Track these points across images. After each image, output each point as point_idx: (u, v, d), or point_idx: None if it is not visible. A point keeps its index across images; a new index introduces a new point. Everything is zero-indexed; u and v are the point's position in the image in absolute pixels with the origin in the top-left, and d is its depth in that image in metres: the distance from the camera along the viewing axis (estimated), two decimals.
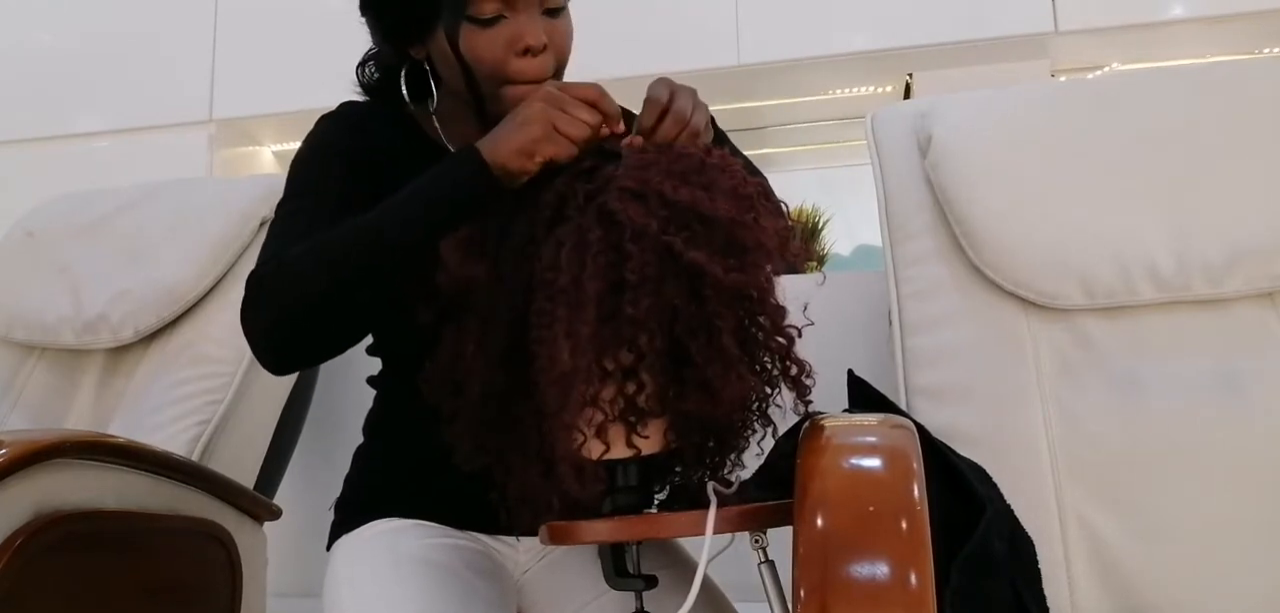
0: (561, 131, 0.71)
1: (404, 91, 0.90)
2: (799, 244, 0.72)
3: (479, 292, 0.70)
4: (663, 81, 0.76)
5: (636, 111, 0.77)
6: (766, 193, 0.71)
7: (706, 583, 0.86)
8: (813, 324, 0.70)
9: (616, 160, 0.69)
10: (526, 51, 0.82)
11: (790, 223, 0.71)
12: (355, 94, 0.97)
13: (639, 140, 0.73)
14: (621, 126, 0.74)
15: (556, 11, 0.84)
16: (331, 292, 0.75)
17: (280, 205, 0.86)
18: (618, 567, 0.70)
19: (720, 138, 0.91)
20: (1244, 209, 0.98)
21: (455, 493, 0.84)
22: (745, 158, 0.90)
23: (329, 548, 0.91)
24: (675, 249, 0.63)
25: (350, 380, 1.08)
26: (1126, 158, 1.03)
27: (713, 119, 0.83)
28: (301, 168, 0.89)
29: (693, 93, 0.77)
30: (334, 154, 0.88)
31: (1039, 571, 0.78)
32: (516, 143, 0.72)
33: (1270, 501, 0.88)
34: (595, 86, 0.74)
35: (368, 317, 0.82)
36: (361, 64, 0.97)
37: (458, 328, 0.71)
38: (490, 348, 0.69)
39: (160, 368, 1.33)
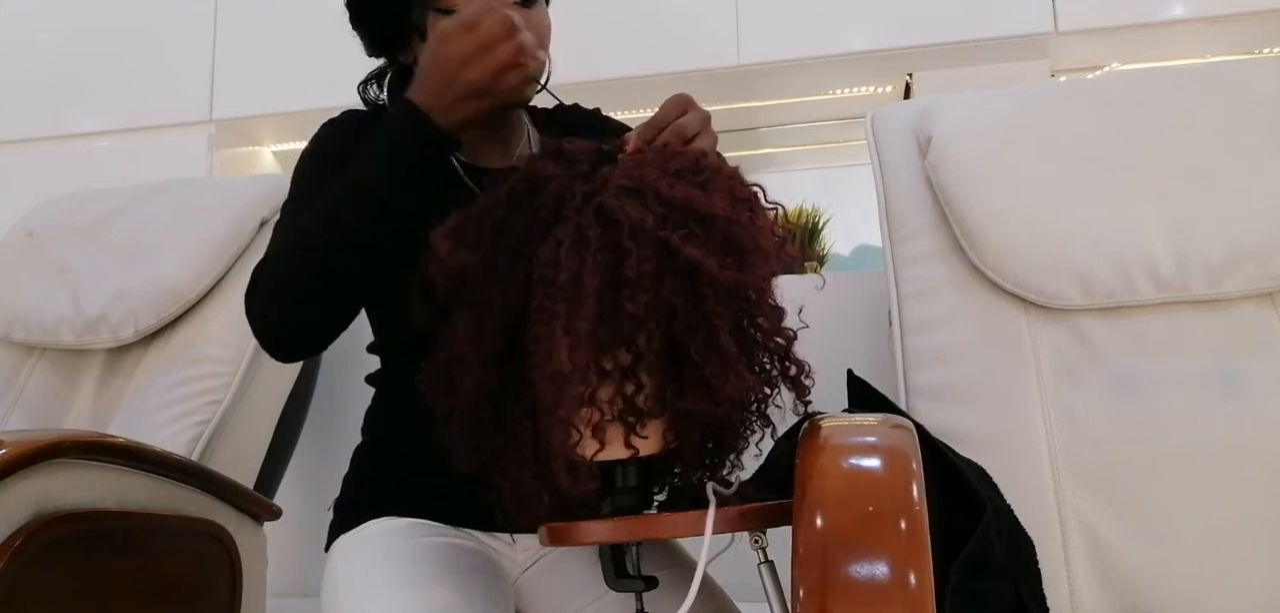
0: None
1: (384, 95, 0.91)
2: (796, 247, 0.72)
3: (473, 288, 0.69)
4: (676, 101, 0.75)
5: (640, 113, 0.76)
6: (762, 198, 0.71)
7: (707, 583, 0.86)
8: (807, 327, 0.70)
9: (612, 163, 0.69)
10: None
11: (786, 229, 0.71)
12: (358, 102, 1.00)
13: (633, 147, 0.72)
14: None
15: (530, 1, 0.84)
16: (307, 280, 0.77)
17: (284, 205, 0.88)
18: (618, 568, 0.70)
19: None
20: (1244, 209, 0.98)
21: (453, 493, 0.84)
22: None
23: (328, 548, 0.91)
24: (672, 246, 0.63)
25: (350, 380, 1.08)
26: (1126, 158, 1.03)
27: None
28: (303, 169, 0.91)
29: (706, 117, 0.76)
30: (333, 155, 0.89)
31: (1039, 571, 0.78)
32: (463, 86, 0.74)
33: (1270, 501, 0.88)
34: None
35: (348, 289, 0.81)
36: (364, 83, 1.00)
37: (452, 328, 0.71)
38: (485, 348, 0.69)
39: (160, 368, 1.33)
